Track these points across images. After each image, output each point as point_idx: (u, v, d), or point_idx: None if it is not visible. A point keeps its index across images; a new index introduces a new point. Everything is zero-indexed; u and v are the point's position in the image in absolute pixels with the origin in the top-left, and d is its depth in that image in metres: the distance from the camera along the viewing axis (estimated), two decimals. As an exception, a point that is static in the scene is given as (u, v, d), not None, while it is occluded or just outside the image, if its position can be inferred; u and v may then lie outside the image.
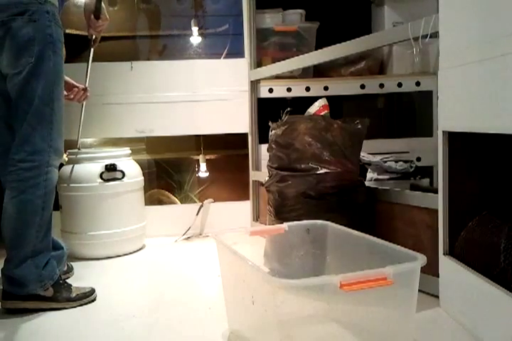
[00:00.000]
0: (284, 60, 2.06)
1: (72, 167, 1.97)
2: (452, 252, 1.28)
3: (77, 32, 2.34)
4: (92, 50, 1.87)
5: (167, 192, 2.71)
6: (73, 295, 1.46)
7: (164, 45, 2.70)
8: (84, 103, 1.96)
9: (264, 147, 2.21)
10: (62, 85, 1.47)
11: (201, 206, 2.32)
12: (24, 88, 1.38)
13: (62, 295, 1.44)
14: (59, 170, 1.51)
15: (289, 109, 1.72)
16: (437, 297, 1.32)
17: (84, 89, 1.85)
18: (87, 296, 1.48)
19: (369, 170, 1.99)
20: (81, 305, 1.46)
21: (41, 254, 1.42)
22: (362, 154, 1.78)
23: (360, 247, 1.16)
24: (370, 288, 0.89)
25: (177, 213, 2.36)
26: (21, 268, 1.39)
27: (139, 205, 2.12)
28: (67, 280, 1.52)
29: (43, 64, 1.39)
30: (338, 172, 1.50)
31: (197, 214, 2.31)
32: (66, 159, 2.00)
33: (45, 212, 1.42)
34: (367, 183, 1.67)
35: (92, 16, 1.72)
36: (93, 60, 1.90)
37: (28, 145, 1.39)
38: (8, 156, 1.40)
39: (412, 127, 2.53)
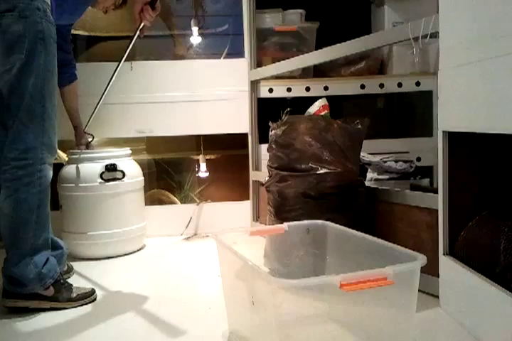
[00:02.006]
0: (284, 60, 2.05)
1: (76, 167, 1.96)
2: (452, 252, 1.28)
3: (79, 32, 2.34)
4: (134, 39, 1.84)
5: (167, 192, 2.71)
6: (74, 295, 1.46)
7: (166, 45, 2.70)
8: (101, 102, 1.97)
9: (264, 147, 2.21)
10: (54, 82, 1.45)
11: (201, 201, 2.37)
12: (15, 85, 1.37)
13: (62, 295, 1.44)
14: (57, 170, 1.50)
15: (289, 109, 1.72)
16: (437, 297, 1.32)
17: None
18: (88, 296, 1.48)
19: (369, 170, 1.99)
20: (81, 305, 1.46)
21: (40, 253, 1.42)
22: (362, 154, 1.78)
23: (360, 247, 1.16)
24: (370, 288, 0.89)
25: (177, 213, 2.36)
26: (20, 266, 1.38)
27: (139, 205, 2.12)
28: (67, 280, 1.52)
29: (34, 60, 1.37)
30: (338, 172, 1.50)
31: (197, 204, 2.35)
32: (66, 159, 2.00)
33: (40, 210, 1.41)
34: (367, 183, 1.67)
35: (148, 6, 1.71)
36: (93, 60, 1.90)
37: (21, 143, 1.38)
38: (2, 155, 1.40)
39: (412, 127, 2.53)
